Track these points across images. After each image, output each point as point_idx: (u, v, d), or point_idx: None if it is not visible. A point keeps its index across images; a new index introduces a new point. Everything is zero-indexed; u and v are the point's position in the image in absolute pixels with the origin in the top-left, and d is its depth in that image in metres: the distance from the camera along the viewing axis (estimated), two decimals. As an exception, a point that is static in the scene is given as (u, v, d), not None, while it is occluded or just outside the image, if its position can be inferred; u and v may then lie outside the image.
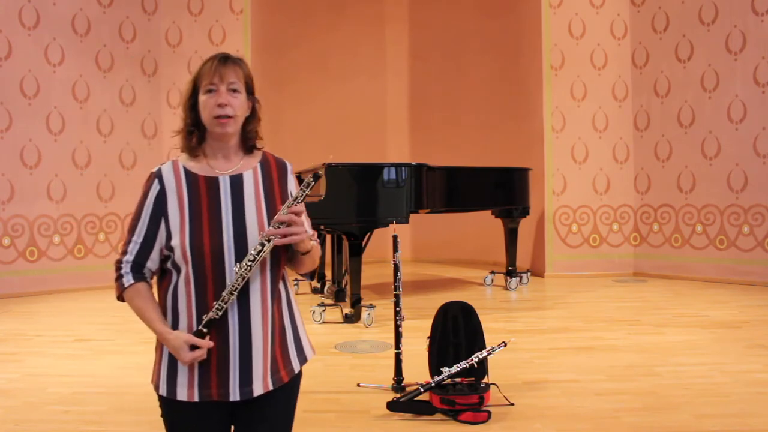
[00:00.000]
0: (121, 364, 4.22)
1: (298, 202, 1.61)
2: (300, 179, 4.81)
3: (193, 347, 1.58)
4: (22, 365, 4.24)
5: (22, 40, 6.93)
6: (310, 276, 1.86)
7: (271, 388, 1.65)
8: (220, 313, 1.57)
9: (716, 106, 7.10)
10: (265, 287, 1.64)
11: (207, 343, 1.58)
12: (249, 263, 1.57)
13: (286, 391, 1.71)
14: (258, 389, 1.63)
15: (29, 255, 6.98)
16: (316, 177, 1.64)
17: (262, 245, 1.58)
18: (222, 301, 1.57)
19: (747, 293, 6.38)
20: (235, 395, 1.61)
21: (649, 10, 7.63)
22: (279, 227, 1.59)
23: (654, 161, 7.65)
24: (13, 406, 3.44)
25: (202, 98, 1.63)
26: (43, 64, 7.06)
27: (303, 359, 1.75)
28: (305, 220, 1.68)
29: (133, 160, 7.67)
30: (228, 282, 1.59)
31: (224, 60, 1.64)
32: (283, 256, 1.69)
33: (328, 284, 6.75)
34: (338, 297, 6.25)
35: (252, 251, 1.58)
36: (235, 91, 1.64)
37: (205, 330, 1.58)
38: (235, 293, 1.58)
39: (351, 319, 5.32)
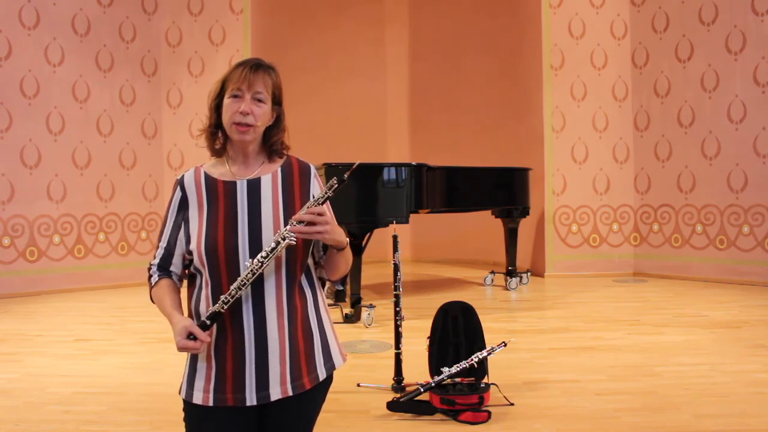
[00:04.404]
0: (121, 364, 4.22)
1: (319, 203, 1.58)
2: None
3: (192, 339, 1.54)
4: (22, 365, 4.23)
5: (22, 40, 6.93)
6: (341, 283, 1.84)
7: (290, 393, 1.60)
8: (225, 307, 1.53)
9: (716, 106, 7.10)
10: (281, 289, 1.61)
11: (204, 335, 1.54)
12: (261, 259, 1.54)
13: (308, 398, 1.65)
14: (276, 394, 1.59)
15: (29, 255, 6.98)
16: (341, 181, 1.59)
17: (277, 243, 1.54)
18: (229, 294, 1.53)
19: (747, 293, 6.38)
20: (252, 400, 1.58)
21: (649, 10, 7.63)
22: (297, 225, 1.55)
23: (654, 161, 7.65)
24: (13, 406, 3.44)
25: (226, 101, 1.64)
26: (43, 64, 7.06)
27: (331, 366, 1.69)
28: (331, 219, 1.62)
29: (133, 160, 7.67)
30: None
31: (255, 68, 1.65)
32: (301, 257, 1.64)
33: (327, 284, 6.73)
34: (338, 297, 6.24)
35: (266, 248, 1.55)
36: (260, 100, 1.65)
37: (208, 322, 1.55)
38: (244, 288, 1.53)
39: (351, 319, 5.32)
